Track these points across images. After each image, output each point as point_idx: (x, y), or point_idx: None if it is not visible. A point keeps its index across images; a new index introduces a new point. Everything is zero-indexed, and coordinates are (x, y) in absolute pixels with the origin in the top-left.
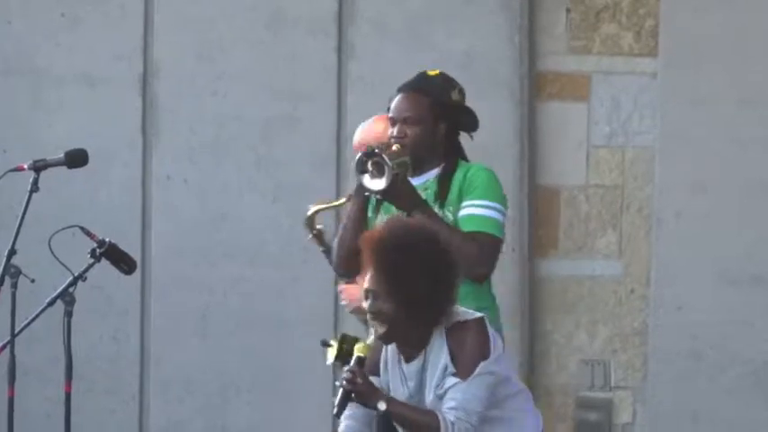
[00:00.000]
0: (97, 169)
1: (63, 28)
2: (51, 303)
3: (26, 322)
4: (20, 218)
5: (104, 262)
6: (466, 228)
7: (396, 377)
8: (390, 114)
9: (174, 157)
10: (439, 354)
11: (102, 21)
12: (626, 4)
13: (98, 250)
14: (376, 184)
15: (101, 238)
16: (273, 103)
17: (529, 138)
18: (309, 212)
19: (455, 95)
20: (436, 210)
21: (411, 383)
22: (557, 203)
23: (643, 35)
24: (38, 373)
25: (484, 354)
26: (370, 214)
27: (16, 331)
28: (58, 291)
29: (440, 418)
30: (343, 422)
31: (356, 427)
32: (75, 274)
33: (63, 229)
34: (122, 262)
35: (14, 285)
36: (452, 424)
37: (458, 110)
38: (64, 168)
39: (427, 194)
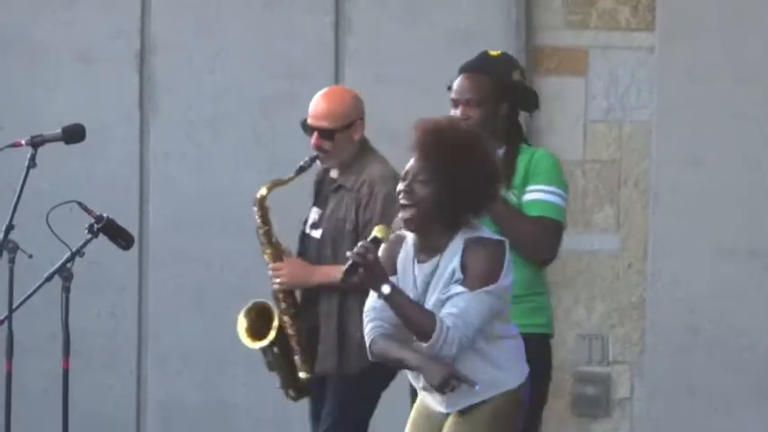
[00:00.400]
0: (95, 145)
1: (60, 5)
2: (49, 279)
3: (24, 297)
4: (17, 193)
5: (102, 237)
6: (531, 212)
7: (408, 277)
8: (453, 95)
9: (172, 133)
10: (451, 259)
11: None
12: None
13: (96, 225)
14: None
15: (98, 213)
16: (271, 80)
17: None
18: (261, 193)
19: (516, 75)
20: (502, 192)
21: (419, 285)
22: None
23: (640, 9)
24: (35, 348)
25: (494, 275)
26: None
27: (14, 306)
28: (56, 266)
29: (437, 320)
30: (372, 321)
31: (385, 327)
32: (73, 250)
33: (60, 204)
34: (120, 237)
35: (12, 261)
36: (448, 329)
37: (519, 90)
38: (61, 144)
39: None
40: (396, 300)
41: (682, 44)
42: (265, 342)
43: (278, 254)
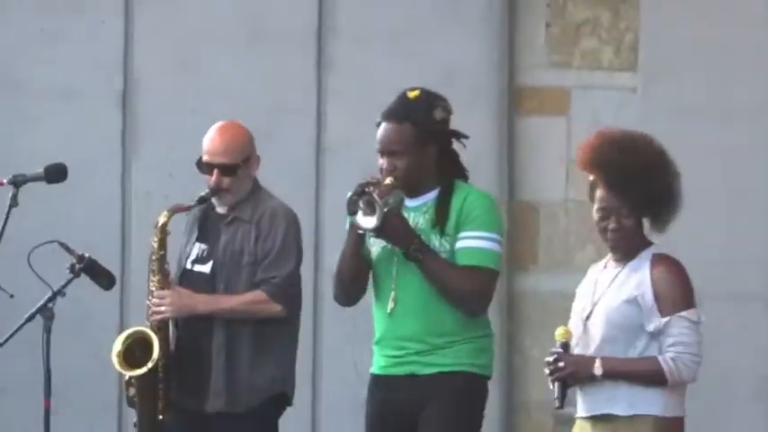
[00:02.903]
0: (77, 184)
1: (43, 42)
2: (30, 319)
3: (5, 338)
4: None
5: (84, 277)
6: (463, 261)
7: (591, 282)
8: (377, 146)
9: (154, 172)
10: (638, 269)
11: (82, 35)
12: (605, 19)
13: (77, 265)
14: (368, 222)
15: (80, 253)
16: (254, 118)
17: (508, 152)
18: (163, 220)
19: (438, 114)
20: (435, 239)
21: (599, 286)
22: (536, 219)
23: (623, 49)
24: (17, 388)
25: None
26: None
27: None
28: (37, 306)
29: (660, 360)
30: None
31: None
32: (55, 290)
33: (42, 244)
34: (101, 277)
35: None
36: (673, 360)
37: (444, 128)
38: (43, 183)
39: (426, 218)
40: (615, 370)
41: (665, 84)
42: (143, 370)
43: (165, 282)
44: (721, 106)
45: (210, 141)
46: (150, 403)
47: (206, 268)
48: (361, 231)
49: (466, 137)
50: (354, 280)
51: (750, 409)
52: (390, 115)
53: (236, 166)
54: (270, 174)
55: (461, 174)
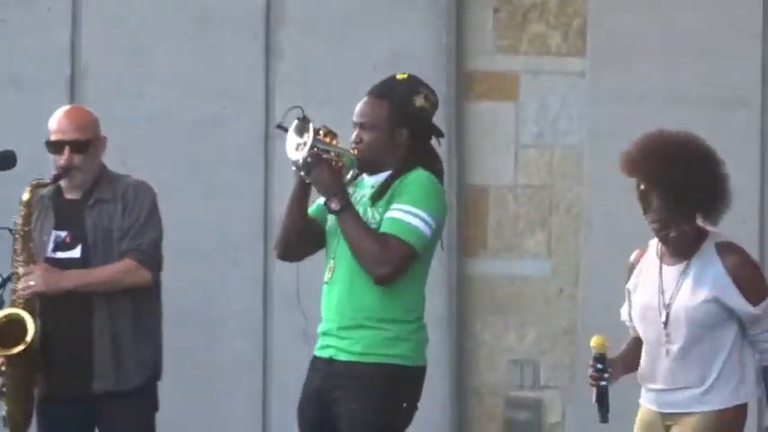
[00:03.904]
0: (26, 172)
1: None
2: None
3: None
4: None
5: None
6: (384, 229)
7: (650, 278)
8: (353, 117)
9: (103, 158)
10: (708, 264)
11: (28, 23)
12: (553, 4)
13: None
14: (296, 154)
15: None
16: (202, 104)
17: (457, 137)
18: (26, 196)
19: (419, 101)
20: (369, 210)
21: (666, 284)
22: (485, 203)
23: (571, 35)
24: None
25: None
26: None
27: None
28: None
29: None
30: None
31: None
32: (4, 276)
33: None
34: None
35: None
36: None
37: (421, 116)
38: None
39: (370, 193)
40: None
41: (612, 69)
42: (20, 347)
43: (31, 259)
44: (668, 91)
45: (59, 121)
46: (25, 391)
47: (75, 253)
48: (293, 168)
49: (442, 135)
50: (289, 229)
51: None
52: (373, 90)
53: (88, 142)
54: (218, 159)
55: (431, 167)
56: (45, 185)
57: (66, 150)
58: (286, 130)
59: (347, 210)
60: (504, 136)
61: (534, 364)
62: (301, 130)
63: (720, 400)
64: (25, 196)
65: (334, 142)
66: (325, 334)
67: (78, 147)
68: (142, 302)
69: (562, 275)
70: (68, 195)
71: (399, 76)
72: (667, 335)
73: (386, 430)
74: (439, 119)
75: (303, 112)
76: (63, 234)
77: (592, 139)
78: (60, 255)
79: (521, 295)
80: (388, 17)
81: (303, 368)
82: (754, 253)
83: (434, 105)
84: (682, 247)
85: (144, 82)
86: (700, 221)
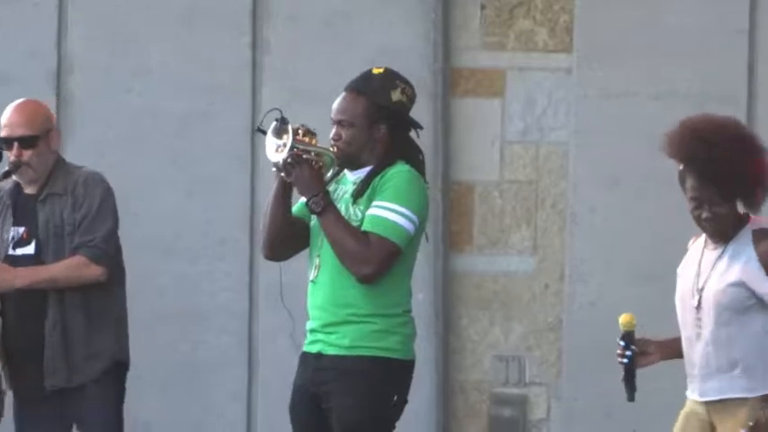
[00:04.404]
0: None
1: None
2: None
3: None
4: None
5: None
6: (366, 227)
7: (694, 264)
8: (331, 114)
9: (89, 153)
10: (742, 249)
11: (14, 17)
12: (540, 1)
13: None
14: (276, 156)
15: None
16: (188, 99)
17: (443, 133)
18: None
19: (396, 95)
20: (351, 207)
21: (703, 267)
22: (471, 199)
23: (557, 31)
24: None
25: None
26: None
27: None
28: None
29: None
30: None
31: None
32: None
33: None
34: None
35: None
36: None
37: (398, 110)
38: None
39: (352, 190)
40: None
41: (599, 66)
42: None
43: None
44: (655, 88)
45: (8, 116)
46: None
47: (29, 249)
48: (273, 170)
49: (420, 127)
50: (273, 230)
51: None
52: (349, 86)
53: (36, 138)
54: (204, 155)
55: (412, 161)
56: None
57: (15, 146)
58: (265, 132)
59: (328, 210)
60: (490, 132)
61: (520, 361)
62: (280, 132)
63: (757, 386)
64: None
65: (314, 141)
66: (312, 331)
67: (27, 143)
68: (96, 295)
69: (547, 271)
70: (27, 191)
71: (375, 71)
72: (699, 318)
73: (376, 423)
74: (425, 114)
75: (281, 113)
76: (21, 230)
77: (578, 136)
78: (18, 251)
79: (506, 291)
80: (375, 13)
81: (288, 364)
82: None
83: (412, 98)
84: (719, 232)
85: (131, 77)
86: (741, 209)
